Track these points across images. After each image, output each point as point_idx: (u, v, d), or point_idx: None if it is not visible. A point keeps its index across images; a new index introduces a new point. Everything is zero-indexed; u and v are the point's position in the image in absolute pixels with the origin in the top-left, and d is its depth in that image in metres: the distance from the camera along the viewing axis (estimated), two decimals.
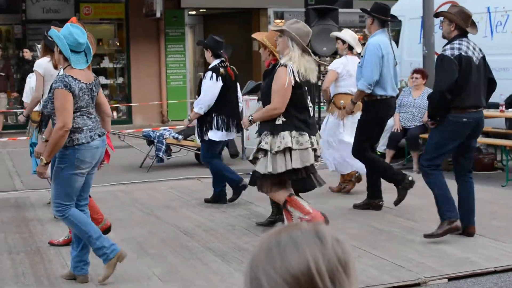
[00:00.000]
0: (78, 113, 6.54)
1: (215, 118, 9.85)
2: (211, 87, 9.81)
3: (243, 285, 1.69)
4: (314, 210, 7.55)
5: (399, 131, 13.19)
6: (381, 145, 13.82)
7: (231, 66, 10.08)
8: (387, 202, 9.92)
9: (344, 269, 1.63)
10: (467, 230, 8.12)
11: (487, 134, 13.31)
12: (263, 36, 8.91)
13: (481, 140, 13.07)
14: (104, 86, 22.46)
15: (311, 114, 7.70)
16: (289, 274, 1.59)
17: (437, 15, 8.43)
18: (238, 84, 10.27)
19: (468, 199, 8.18)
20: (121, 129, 16.79)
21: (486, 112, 12.80)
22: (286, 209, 7.50)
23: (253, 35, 9.42)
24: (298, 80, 7.36)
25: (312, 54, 7.53)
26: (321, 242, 1.63)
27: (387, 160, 13.26)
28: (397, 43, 16.47)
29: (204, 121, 9.90)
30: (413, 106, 13.16)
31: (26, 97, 10.02)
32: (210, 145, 10.03)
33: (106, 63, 22.59)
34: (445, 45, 8.04)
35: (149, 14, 21.69)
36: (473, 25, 8.17)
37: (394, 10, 16.61)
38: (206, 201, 10.33)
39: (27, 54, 19.13)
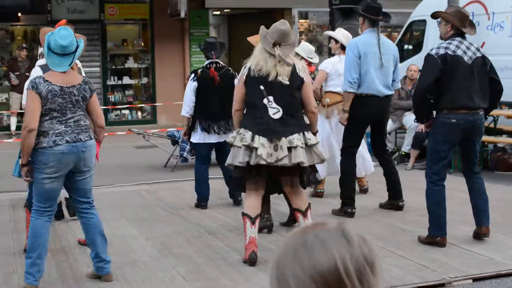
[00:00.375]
0: (47, 117, 6.47)
1: (196, 120, 9.87)
2: (187, 89, 9.89)
3: (268, 285, 1.69)
4: (252, 241, 7.38)
5: (423, 131, 13.13)
6: (406, 145, 13.80)
7: (226, 68, 10.03)
8: (411, 202, 9.90)
9: (371, 269, 1.64)
10: (479, 231, 8.05)
11: None
12: (257, 39, 8.91)
13: (506, 140, 13.02)
14: (129, 86, 22.61)
15: (270, 113, 7.18)
16: (317, 274, 1.59)
17: (434, 15, 8.34)
18: (233, 86, 9.94)
19: (476, 199, 8.09)
20: (145, 129, 16.88)
21: (511, 112, 12.81)
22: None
23: (248, 39, 9.33)
24: (252, 75, 7.23)
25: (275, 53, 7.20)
26: (348, 241, 1.64)
27: (412, 160, 13.24)
28: (421, 43, 16.42)
29: (191, 124, 9.95)
30: None
31: None
32: (196, 147, 10.08)
33: (130, 63, 22.68)
34: None
35: (174, 14, 21.74)
36: (471, 25, 8.08)
37: (418, 10, 16.64)
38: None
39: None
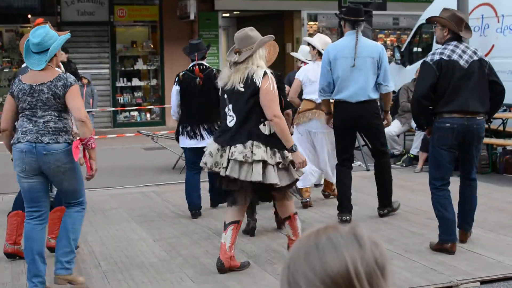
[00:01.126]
0: (20, 115, 6.50)
1: (179, 124, 9.78)
2: (171, 92, 9.85)
3: (279, 286, 1.70)
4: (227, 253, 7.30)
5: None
6: (414, 148, 13.79)
7: (210, 69, 9.80)
8: (420, 204, 9.89)
9: (382, 272, 1.63)
10: (459, 235, 8.03)
11: None
12: None
13: None
14: (138, 88, 22.67)
15: (227, 121, 7.13)
16: (328, 277, 1.60)
17: (429, 20, 8.28)
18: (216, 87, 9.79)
19: (462, 203, 8.04)
20: (154, 130, 16.92)
21: None
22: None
23: None
24: (221, 88, 7.26)
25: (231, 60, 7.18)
26: (359, 245, 1.64)
27: (420, 162, 13.22)
28: (430, 45, 16.40)
29: (177, 128, 9.88)
30: None
31: None
32: (184, 152, 10.05)
33: (140, 65, 22.74)
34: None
35: (183, 17, 21.80)
36: (467, 28, 8.02)
37: (427, 13, 16.61)
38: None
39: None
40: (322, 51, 9.73)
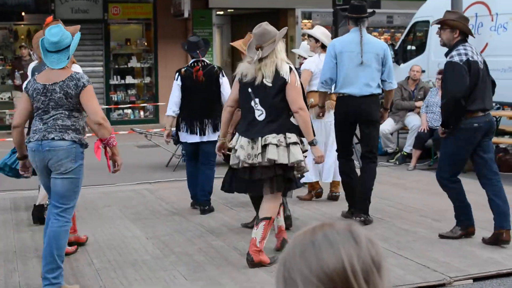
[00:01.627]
0: (35, 113, 6.55)
1: (180, 119, 9.82)
2: (172, 88, 9.86)
3: (275, 284, 1.69)
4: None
5: (425, 131, 13.16)
6: (408, 146, 13.80)
7: (211, 66, 9.89)
8: (413, 202, 9.90)
9: (378, 270, 1.64)
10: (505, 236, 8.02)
11: None
12: (240, 43, 8.90)
13: (508, 140, 13.02)
14: (131, 86, 22.66)
15: (256, 115, 7.20)
16: (324, 274, 1.60)
17: (442, 23, 8.27)
18: (217, 84, 9.79)
19: (497, 202, 8.02)
20: (148, 128, 16.90)
21: None
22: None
23: (232, 44, 9.25)
24: (241, 81, 7.30)
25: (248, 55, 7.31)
26: (355, 242, 1.64)
27: (413, 160, 13.23)
28: (424, 44, 16.41)
29: (177, 123, 9.94)
30: (439, 106, 13.09)
31: None
32: (183, 147, 10.05)
33: (133, 63, 22.71)
34: (448, 52, 8.00)
35: (177, 14, 21.76)
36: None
37: (421, 11, 16.64)
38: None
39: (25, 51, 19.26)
40: (326, 43, 9.90)
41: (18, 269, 7.39)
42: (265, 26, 7.25)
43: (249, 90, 7.20)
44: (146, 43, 23.06)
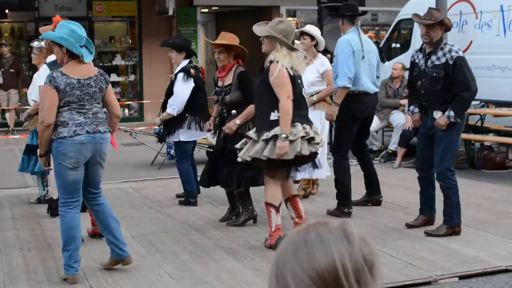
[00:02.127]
0: (66, 108, 6.59)
1: (188, 118, 9.84)
2: (184, 88, 9.79)
3: (267, 282, 1.69)
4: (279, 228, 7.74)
5: (410, 129, 13.17)
6: (393, 143, 13.81)
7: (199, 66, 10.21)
8: (398, 200, 9.91)
9: (370, 270, 1.64)
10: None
11: (499, 133, 13.28)
12: (223, 41, 8.84)
13: (493, 138, 13.06)
14: (116, 83, 22.53)
15: (308, 104, 7.89)
16: (316, 273, 1.59)
17: (440, 22, 8.28)
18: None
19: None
20: (132, 126, 16.82)
21: (498, 110, 12.86)
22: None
23: (214, 42, 9.10)
24: (292, 74, 7.43)
25: (298, 50, 7.74)
26: (348, 241, 1.64)
27: (398, 158, 13.25)
28: (409, 41, 16.44)
29: (175, 122, 9.91)
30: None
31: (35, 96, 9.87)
32: (183, 145, 10.06)
33: (118, 61, 22.64)
34: (434, 49, 8.06)
35: (162, 12, 21.70)
36: None
37: (406, 8, 16.66)
38: (178, 196, 10.61)
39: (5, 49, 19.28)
40: (322, 42, 10.06)
41: (3, 268, 7.34)
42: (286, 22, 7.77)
43: (299, 81, 7.60)
44: (130, 41, 23.00)
